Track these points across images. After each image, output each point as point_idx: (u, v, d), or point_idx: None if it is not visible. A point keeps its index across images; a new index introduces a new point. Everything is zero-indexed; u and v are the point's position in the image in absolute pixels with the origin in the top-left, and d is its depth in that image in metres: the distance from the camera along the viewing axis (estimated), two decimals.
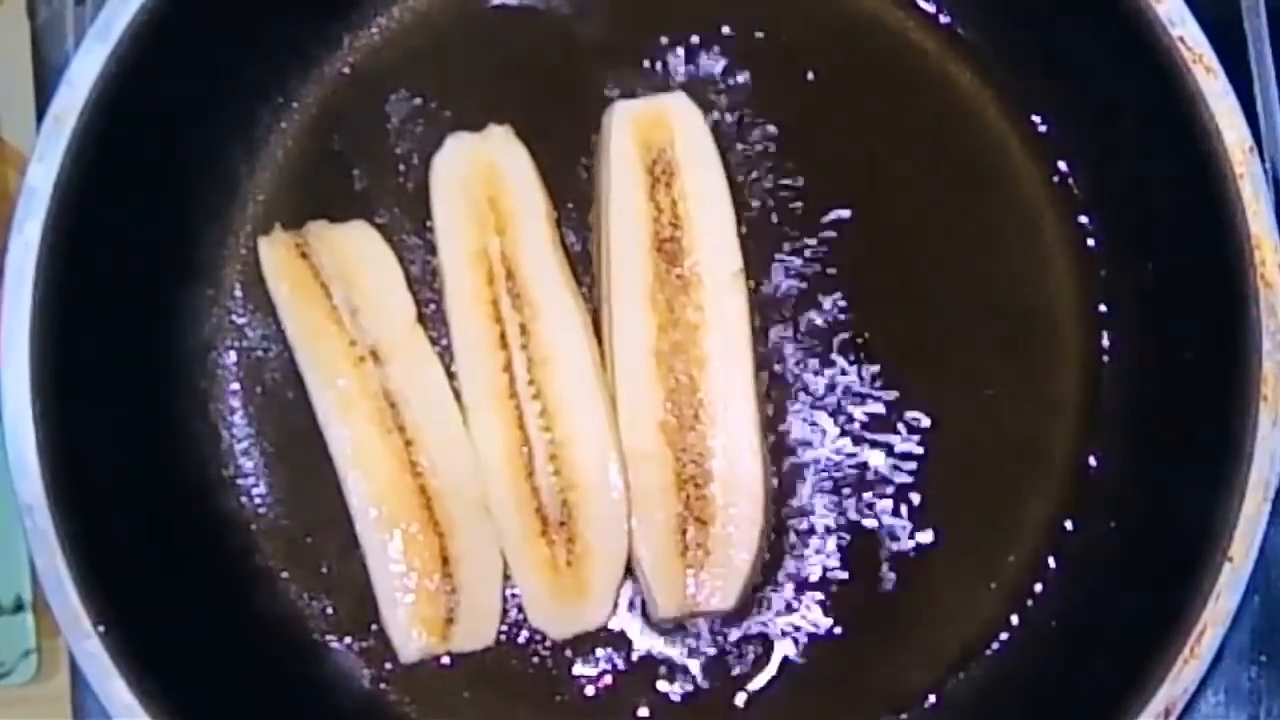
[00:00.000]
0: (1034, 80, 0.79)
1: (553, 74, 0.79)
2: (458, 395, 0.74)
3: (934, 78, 0.80)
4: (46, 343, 0.68)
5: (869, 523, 0.76)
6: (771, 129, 0.79)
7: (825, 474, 0.76)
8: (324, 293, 0.74)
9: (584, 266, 0.78)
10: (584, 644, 0.75)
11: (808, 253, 0.78)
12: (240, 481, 0.77)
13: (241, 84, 0.78)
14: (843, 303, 0.77)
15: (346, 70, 0.80)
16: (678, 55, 0.79)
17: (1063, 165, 0.79)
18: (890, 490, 0.76)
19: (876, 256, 0.78)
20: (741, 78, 0.79)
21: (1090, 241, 0.78)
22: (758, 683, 0.75)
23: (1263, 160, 0.68)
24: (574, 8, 0.80)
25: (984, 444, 0.77)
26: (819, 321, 0.77)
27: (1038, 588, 0.75)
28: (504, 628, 0.75)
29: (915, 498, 0.76)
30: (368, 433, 0.73)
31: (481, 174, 0.75)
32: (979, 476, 0.76)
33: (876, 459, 0.76)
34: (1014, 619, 0.75)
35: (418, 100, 0.79)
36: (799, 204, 0.78)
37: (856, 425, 0.77)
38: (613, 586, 0.73)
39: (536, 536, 0.73)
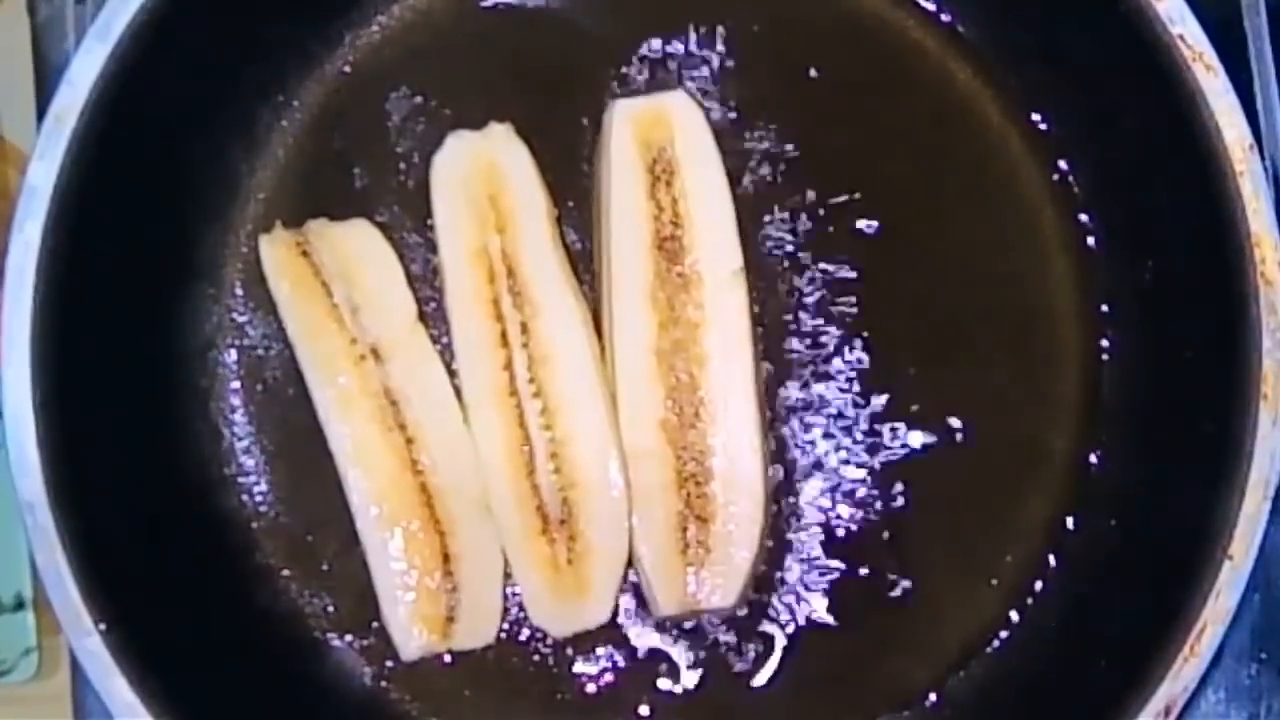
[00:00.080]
0: (1034, 80, 0.79)
1: (553, 73, 0.79)
2: (458, 393, 0.75)
3: (934, 77, 0.80)
4: (47, 342, 0.67)
5: (869, 521, 0.76)
6: (771, 128, 0.79)
7: (825, 472, 0.76)
8: (325, 291, 0.74)
9: (584, 265, 0.78)
10: (585, 642, 0.75)
11: (808, 251, 0.78)
12: (241, 480, 0.77)
13: (241, 83, 0.78)
14: (843, 301, 0.77)
15: (347, 69, 0.80)
16: (678, 54, 0.79)
17: (1063, 165, 0.79)
18: (890, 489, 0.76)
19: (876, 256, 0.78)
20: (741, 77, 0.79)
21: (1090, 241, 0.78)
22: (758, 680, 0.75)
23: (1263, 158, 0.68)
24: (574, 6, 0.80)
25: (984, 443, 0.77)
26: (818, 319, 0.77)
27: (1038, 586, 0.75)
28: (505, 626, 0.75)
29: (915, 496, 0.76)
30: (368, 431, 0.73)
31: (482, 172, 0.75)
32: (979, 475, 0.76)
33: (876, 457, 0.76)
34: (1014, 617, 0.75)
35: (418, 99, 0.79)
36: (799, 204, 0.78)
37: (856, 424, 0.77)
38: (613, 585, 0.73)
39: (537, 535, 0.73)
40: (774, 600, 0.75)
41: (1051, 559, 0.76)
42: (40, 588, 0.69)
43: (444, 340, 0.76)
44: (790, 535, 0.76)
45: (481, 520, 0.73)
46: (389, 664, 0.75)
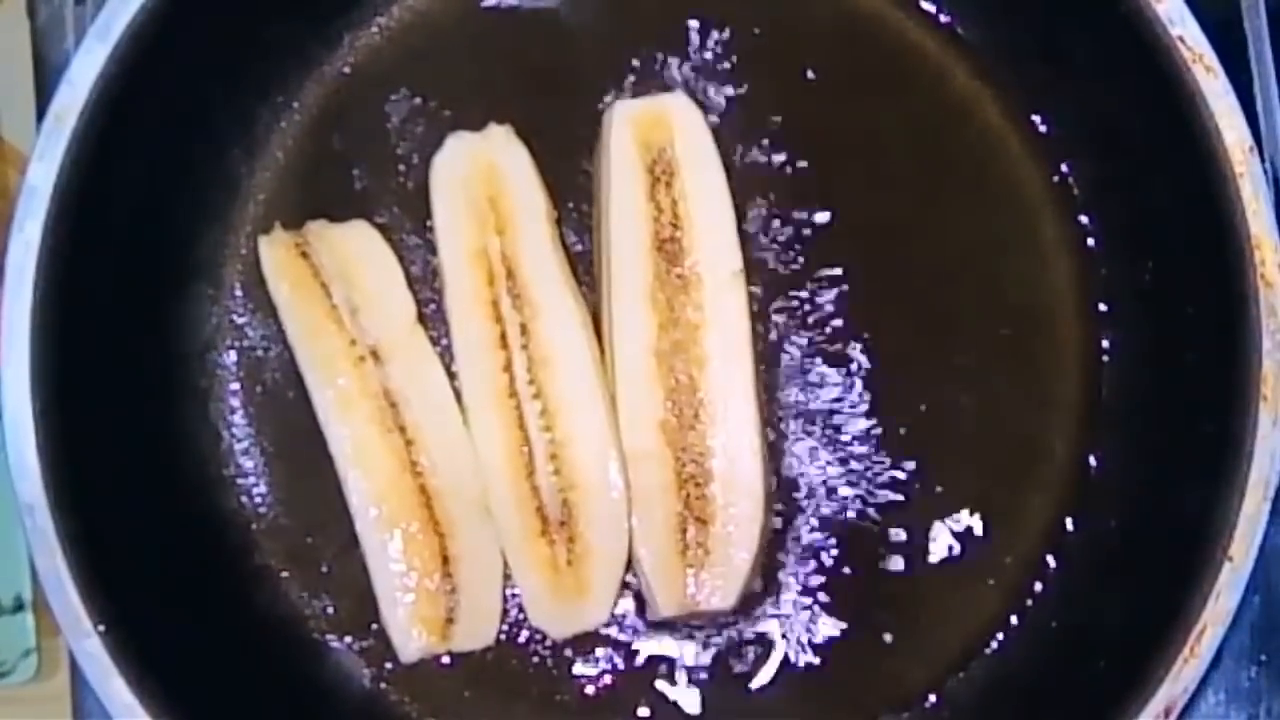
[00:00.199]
0: (1034, 80, 0.79)
1: (553, 74, 0.79)
2: (458, 395, 0.75)
3: (934, 78, 0.80)
4: (46, 342, 0.67)
5: (869, 521, 0.76)
6: (771, 128, 0.79)
7: (825, 472, 0.76)
8: (324, 292, 0.74)
9: (584, 266, 0.77)
10: (584, 644, 0.75)
11: (807, 252, 0.78)
12: (240, 481, 0.77)
13: (241, 83, 0.78)
14: (843, 302, 0.77)
15: (346, 70, 0.80)
16: (678, 55, 0.79)
17: (1063, 165, 0.79)
18: (890, 489, 0.76)
19: (876, 256, 0.78)
20: (741, 77, 0.79)
21: (1090, 241, 0.78)
22: (758, 682, 0.75)
23: (1263, 160, 0.68)
24: (574, 8, 0.80)
25: (984, 444, 0.77)
26: (818, 320, 0.77)
27: (1038, 587, 0.76)
28: (504, 627, 0.75)
29: (915, 496, 0.76)
30: (368, 432, 0.73)
31: (482, 173, 0.75)
32: (979, 476, 0.76)
33: (876, 458, 0.76)
34: (1014, 618, 0.75)
35: (418, 100, 0.79)
36: (799, 204, 0.78)
37: (856, 424, 0.77)
38: (613, 586, 0.73)
39: (537, 536, 0.73)
40: (773, 601, 0.75)
41: (1051, 559, 0.76)
42: (40, 589, 0.69)
43: (444, 342, 0.76)
44: (790, 536, 0.76)
45: (481, 522, 0.73)
46: (388, 665, 0.75)
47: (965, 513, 0.76)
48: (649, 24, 0.79)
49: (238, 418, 0.77)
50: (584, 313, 0.75)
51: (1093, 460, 0.76)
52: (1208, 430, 0.69)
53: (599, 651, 0.75)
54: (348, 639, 0.76)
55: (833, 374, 0.77)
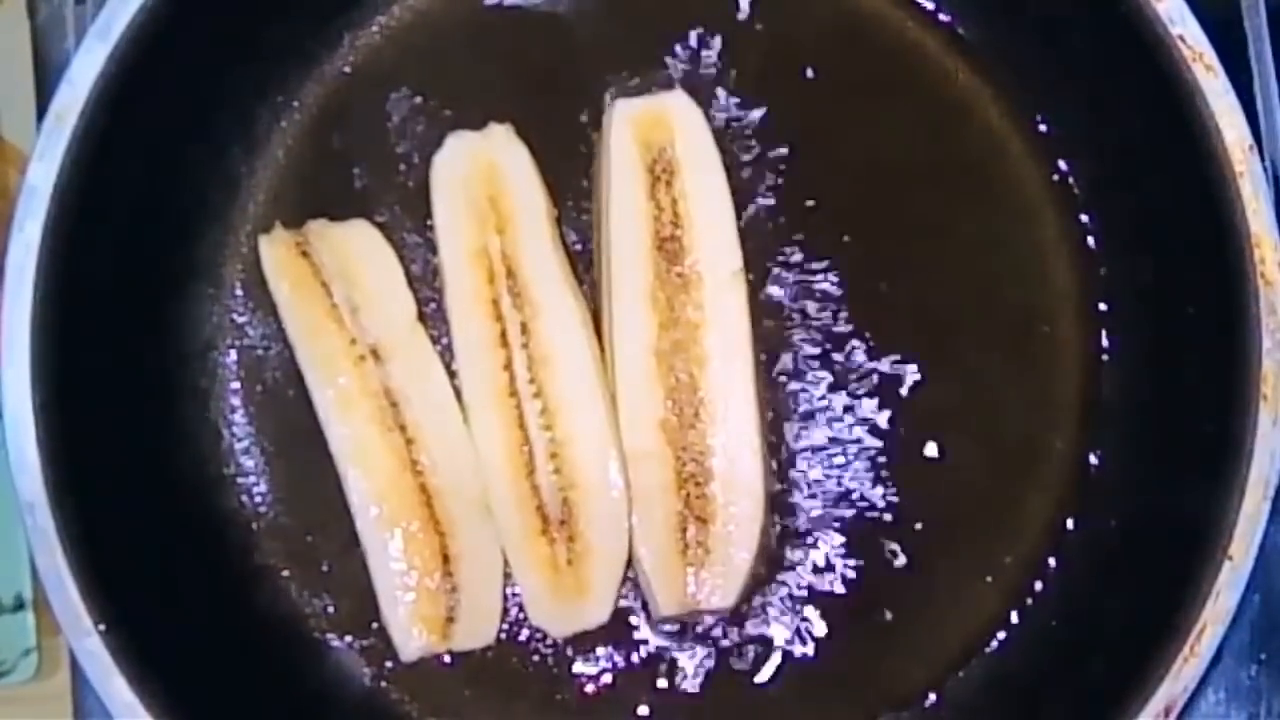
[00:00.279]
0: (1034, 80, 0.79)
1: (553, 73, 0.79)
2: (458, 394, 0.75)
3: (934, 77, 0.80)
4: (47, 342, 0.67)
5: (869, 521, 0.76)
6: (772, 128, 0.79)
7: (825, 472, 0.76)
8: (324, 291, 0.74)
9: (584, 265, 0.78)
10: (584, 643, 0.75)
11: (808, 252, 0.78)
12: (240, 480, 0.77)
13: (241, 83, 0.78)
14: (842, 302, 0.77)
15: (347, 69, 0.80)
16: (678, 54, 0.79)
17: (1063, 165, 0.79)
18: (890, 489, 0.76)
19: (876, 256, 0.78)
20: (741, 77, 0.79)
21: (1090, 241, 0.78)
22: (758, 681, 0.74)
23: (1262, 159, 0.68)
24: (574, 7, 0.80)
25: (984, 443, 0.77)
26: (819, 320, 0.77)
27: (1038, 586, 0.75)
28: (504, 626, 0.75)
29: (915, 496, 0.76)
30: (368, 431, 0.73)
31: (482, 173, 0.75)
32: (979, 476, 0.76)
33: (876, 458, 0.76)
34: (1014, 617, 0.75)
35: (418, 99, 0.79)
36: (798, 203, 0.78)
37: (856, 423, 0.77)
38: (613, 585, 0.73)
39: (537, 535, 0.73)
40: (773, 601, 0.75)
41: (1051, 559, 0.76)
42: (40, 588, 0.69)
43: (444, 341, 0.76)
44: (790, 536, 0.76)
45: (481, 521, 0.73)
46: (388, 664, 0.75)
47: (965, 512, 0.76)
48: (649, 24, 0.79)
49: (238, 417, 0.77)
50: (584, 312, 0.75)
51: (1093, 460, 0.76)
52: (1208, 430, 0.69)
53: (599, 650, 0.75)
54: (348, 638, 0.76)
55: (832, 373, 0.77)
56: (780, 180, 0.78)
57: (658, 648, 0.75)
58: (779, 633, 0.75)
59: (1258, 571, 0.66)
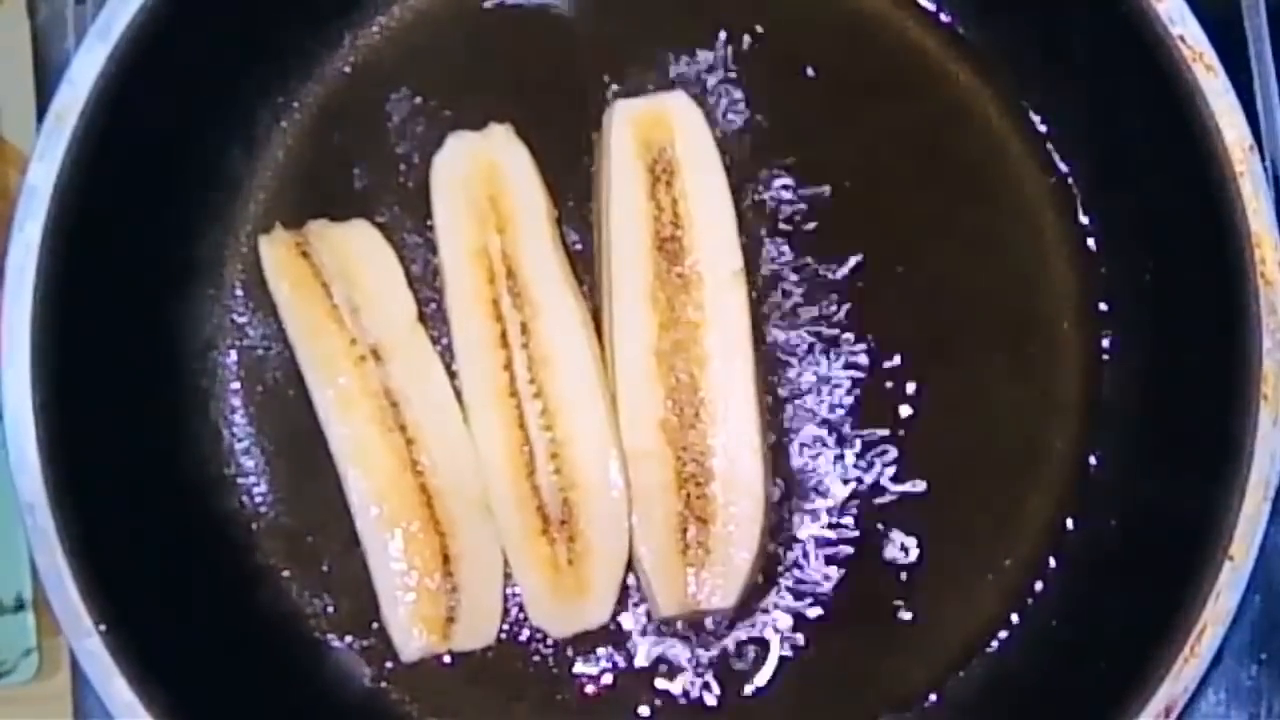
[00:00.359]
0: (1034, 80, 0.79)
1: (553, 73, 0.79)
2: (458, 394, 0.75)
3: (934, 77, 0.80)
4: (47, 342, 0.68)
5: (869, 521, 0.76)
6: (771, 128, 0.79)
7: (825, 472, 0.76)
8: (324, 291, 0.74)
9: (584, 265, 0.78)
10: (584, 643, 0.75)
11: (807, 252, 0.78)
12: (241, 480, 0.77)
13: (242, 83, 0.78)
14: (842, 302, 0.77)
15: (347, 69, 0.80)
16: (678, 54, 0.79)
17: (1063, 165, 0.79)
18: (890, 489, 0.76)
19: (876, 256, 0.78)
20: (741, 77, 0.79)
21: (1090, 241, 0.78)
22: (758, 681, 0.75)
23: (1263, 159, 0.68)
24: (574, 7, 0.80)
25: (984, 444, 0.77)
26: (819, 320, 0.77)
27: (1038, 586, 0.75)
28: (505, 626, 0.75)
29: (915, 496, 0.76)
30: (368, 431, 0.73)
31: (482, 173, 0.75)
32: (979, 476, 0.76)
33: (876, 458, 0.76)
34: (1014, 618, 0.75)
35: (418, 99, 0.79)
36: (798, 203, 0.78)
37: (856, 424, 0.77)
38: (613, 585, 0.73)
39: (537, 535, 0.73)
40: (774, 601, 0.75)
41: (1051, 559, 0.76)
42: (40, 588, 0.69)
43: (444, 341, 0.76)
44: (790, 536, 0.76)
45: (482, 521, 0.73)
46: (389, 665, 0.75)
47: (965, 513, 0.76)
48: (649, 23, 0.79)
49: (238, 417, 0.77)
50: (584, 312, 0.75)
51: (1093, 460, 0.76)
52: (1208, 430, 0.69)
53: (599, 651, 0.75)
54: (348, 638, 0.76)
55: (833, 373, 0.77)
56: (780, 180, 0.78)
57: (658, 648, 0.75)
58: (779, 633, 0.75)
59: (1258, 572, 0.66)
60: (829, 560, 0.76)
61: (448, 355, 0.75)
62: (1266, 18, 0.79)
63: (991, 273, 0.78)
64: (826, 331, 0.77)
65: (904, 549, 0.76)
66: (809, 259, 0.78)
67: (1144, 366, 0.76)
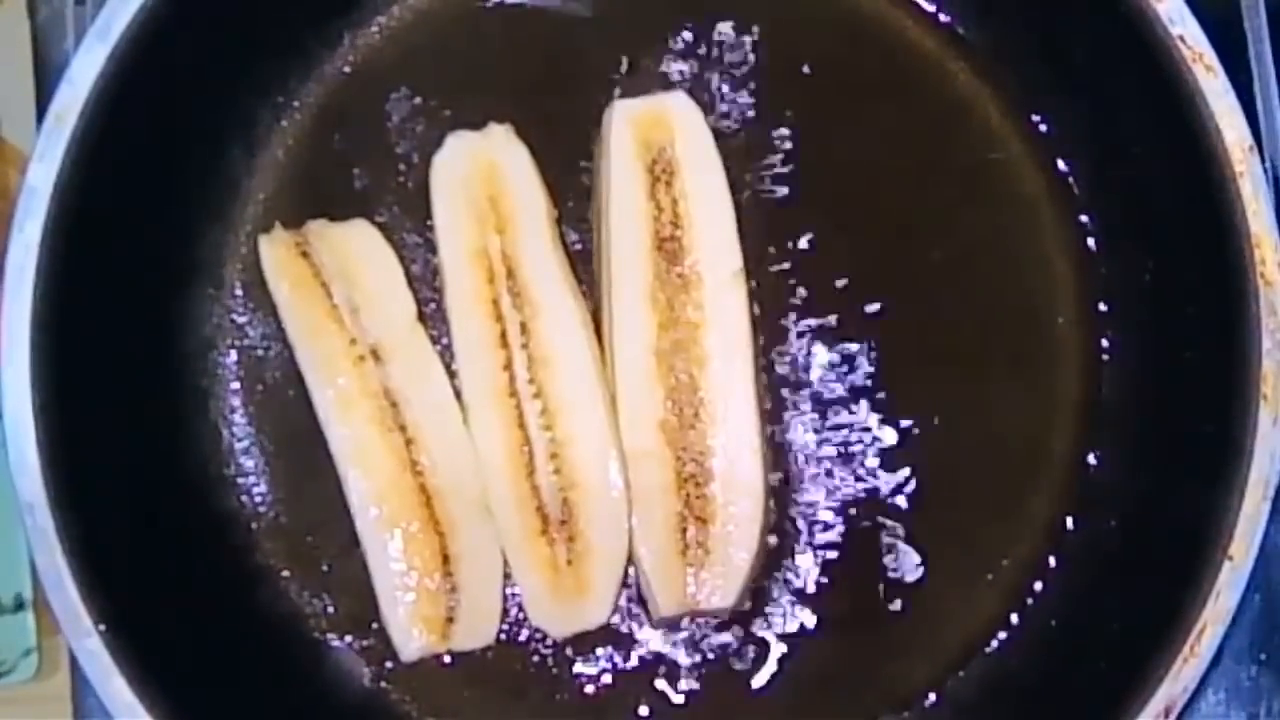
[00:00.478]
0: (1034, 80, 0.79)
1: (553, 73, 0.79)
2: (458, 394, 0.75)
3: (934, 77, 0.80)
4: (47, 342, 0.68)
5: (869, 521, 0.76)
6: (771, 128, 0.79)
7: (825, 472, 0.76)
8: (324, 291, 0.74)
9: (584, 265, 0.77)
10: (584, 643, 0.75)
11: (808, 252, 0.78)
12: (240, 480, 0.77)
13: (242, 83, 0.78)
14: (843, 302, 0.77)
15: (347, 69, 0.80)
16: (678, 54, 0.79)
17: (1063, 165, 0.79)
18: (890, 489, 0.76)
19: (876, 256, 0.78)
20: (741, 77, 0.79)
21: (1090, 241, 0.78)
22: (758, 681, 0.75)
23: (1263, 159, 0.68)
24: (574, 7, 0.80)
25: (984, 444, 0.77)
26: (818, 320, 0.77)
27: (1038, 586, 0.75)
28: (504, 627, 0.75)
29: (915, 496, 0.76)
30: (368, 432, 0.73)
31: (482, 173, 0.75)
32: (979, 476, 0.76)
33: (876, 458, 0.76)
34: (1014, 618, 0.75)
35: (418, 99, 0.79)
36: (799, 203, 0.78)
37: (856, 424, 0.77)
38: (613, 585, 0.73)
39: (537, 535, 0.73)
40: (773, 601, 0.75)
41: (1051, 559, 0.76)
42: (40, 588, 0.69)
43: (444, 341, 0.76)
44: (790, 536, 0.76)
45: (481, 521, 0.73)
46: (388, 665, 0.75)
47: (965, 513, 0.76)
48: (649, 23, 0.79)
49: (238, 417, 0.77)
50: (584, 312, 0.75)
51: (1093, 460, 0.76)
52: (1208, 430, 0.69)
53: (599, 651, 0.75)
54: (348, 638, 0.76)
55: (832, 373, 0.77)
56: (780, 180, 0.78)
57: (658, 648, 0.75)
58: (779, 633, 0.75)
59: (1258, 572, 0.66)
60: (828, 560, 0.76)
61: (448, 355, 0.75)
62: (1266, 18, 0.79)
63: (991, 273, 0.78)
64: (826, 331, 0.77)
65: (903, 549, 0.75)
66: (809, 259, 0.78)
67: (1144, 366, 0.76)
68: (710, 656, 0.75)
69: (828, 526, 0.76)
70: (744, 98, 0.79)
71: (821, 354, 0.77)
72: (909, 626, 0.75)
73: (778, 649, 0.75)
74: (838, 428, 0.77)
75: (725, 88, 0.79)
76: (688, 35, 0.79)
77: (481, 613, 0.73)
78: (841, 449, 0.76)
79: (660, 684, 0.75)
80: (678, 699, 0.75)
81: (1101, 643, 0.71)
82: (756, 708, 0.75)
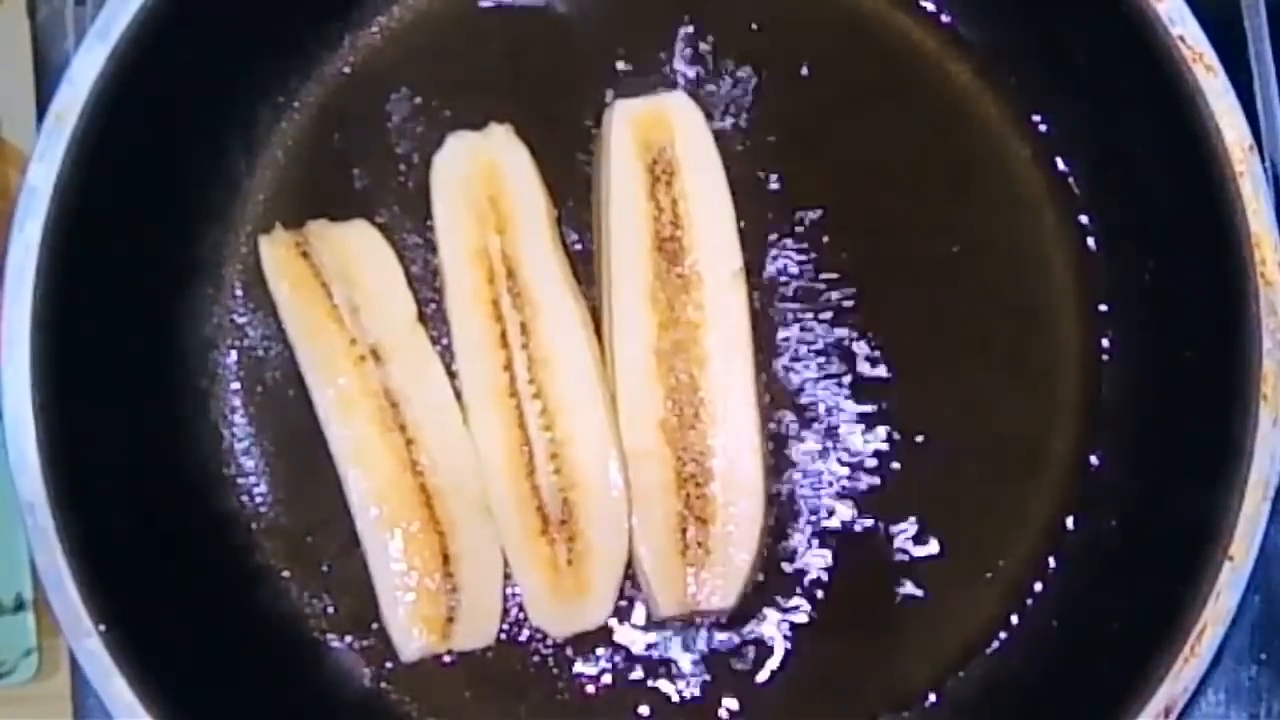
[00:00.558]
0: (1034, 80, 0.79)
1: (553, 74, 0.79)
2: (458, 394, 0.75)
3: (934, 78, 0.80)
4: (47, 342, 0.67)
5: (869, 521, 0.76)
6: (771, 128, 0.79)
7: (825, 472, 0.76)
8: (324, 292, 0.74)
9: (584, 265, 0.77)
10: (584, 643, 0.75)
11: (808, 252, 0.78)
12: (241, 480, 0.77)
13: (241, 83, 0.78)
14: (842, 302, 0.77)
15: (347, 70, 0.80)
16: (678, 54, 0.79)
17: (1063, 165, 0.79)
18: (890, 489, 0.76)
19: (876, 256, 0.78)
20: (741, 77, 0.79)
21: (1090, 241, 0.78)
22: (758, 681, 0.75)
23: (1263, 159, 0.68)
24: (574, 7, 0.80)
25: (984, 444, 0.77)
26: (818, 321, 0.77)
27: (1038, 587, 0.75)
28: (504, 627, 0.75)
29: (915, 497, 0.76)
30: (368, 432, 0.73)
31: (482, 173, 0.75)
32: (979, 476, 0.76)
33: (876, 458, 0.76)
34: (1014, 618, 0.75)
35: (418, 99, 0.79)
36: (799, 203, 0.78)
37: (856, 424, 0.77)
38: (613, 585, 0.73)
39: (537, 535, 0.73)
40: (773, 601, 0.75)
41: (1051, 559, 0.76)
42: (40, 588, 0.69)
43: (444, 341, 0.76)
44: (789, 536, 0.76)
45: (481, 521, 0.73)
46: (388, 665, 0.75)
47: (965, 512, 0.76)
48: (649, 23, 0.79)
49: (238, 417, 0.77)
50: (584, 312, 0.75)
51: (1093, 460, 0.76)
52: (1208, 430, 0.69)
53: (599, 651, 0.75)
54: (348, 638, 0.76)
55: (833, 373, 0.77)
56: (780, 181, 0.78)
57: (658, 648, 0.75)
58: (779, 633, 0.75)
59: (1258, 572, 0.66)
60: (828, 560, 0.76)
61: (448, 355, 0.75)
62: (1266, 18, 0.79)
63: (991, 273, 0.78)
64: (826, 331, 0.77)
65: (903, 549, 0.75)
66: (809, 259, 0.78)
67: (1144, 366, 0.76)
68: (710, 657, 0.75)
69: (828, 526, 0.76)
70: (744, 98, 0.79)
71: (821, 354, 0.77)
72: (909, 626, 0.75)
73: (778, 649, 0.75)
74: (837, 428, 0.77)
75: (725, 88, 0.79)
76: (688, 35, 0.79)
77: (482, 613, 0.73)
78: (841, 449, 0.76)
79: (660, 684, 0.75)
80: (678, 699, 0.75)
81: (1101, 643, 0.71)
82: (757, 708, 0.75)
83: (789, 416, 0.77)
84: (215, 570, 0.75)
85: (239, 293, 0.78)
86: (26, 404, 0.67)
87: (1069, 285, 0.78)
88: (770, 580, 0.75)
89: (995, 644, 0.75)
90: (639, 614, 0.75)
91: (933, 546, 0.75)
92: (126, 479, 0.71)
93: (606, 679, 0.75)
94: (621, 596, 0.74)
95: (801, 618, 0.75)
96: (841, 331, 0.77)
